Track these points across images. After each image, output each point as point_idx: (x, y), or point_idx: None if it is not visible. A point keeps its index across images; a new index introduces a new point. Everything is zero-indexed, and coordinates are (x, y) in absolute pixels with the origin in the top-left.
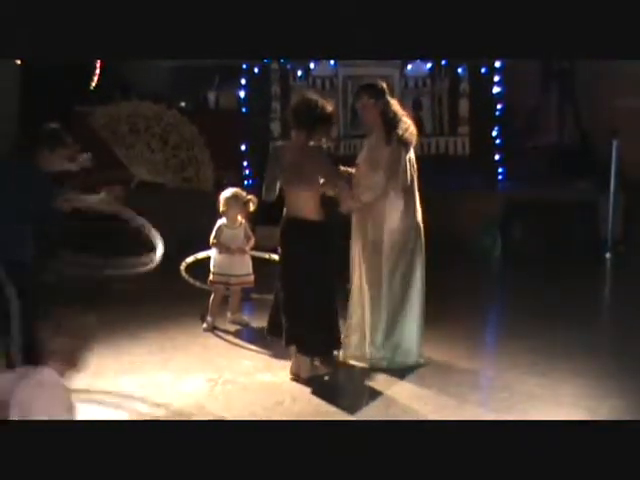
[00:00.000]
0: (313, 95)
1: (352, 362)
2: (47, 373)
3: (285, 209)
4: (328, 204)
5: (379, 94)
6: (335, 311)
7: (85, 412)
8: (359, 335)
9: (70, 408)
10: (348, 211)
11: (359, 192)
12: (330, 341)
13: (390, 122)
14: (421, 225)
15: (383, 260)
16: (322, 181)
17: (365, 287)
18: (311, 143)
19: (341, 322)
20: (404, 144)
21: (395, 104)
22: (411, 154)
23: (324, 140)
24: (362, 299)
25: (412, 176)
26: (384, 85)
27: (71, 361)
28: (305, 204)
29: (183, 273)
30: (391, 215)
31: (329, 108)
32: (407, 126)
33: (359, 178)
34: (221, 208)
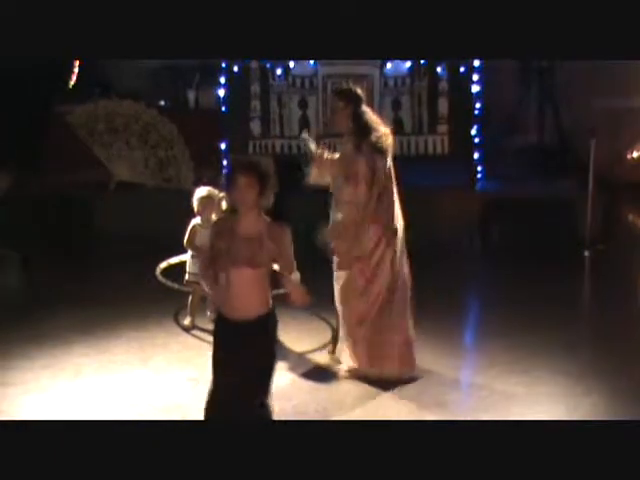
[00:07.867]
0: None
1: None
2: None
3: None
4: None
5: (350, 99)
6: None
7: (67, 412)
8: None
9: None
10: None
11: (339, 208)
12: None
13: (361, 130)
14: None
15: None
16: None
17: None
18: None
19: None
20: (378, 151)
21: (369, 112)
22: (388, 162)
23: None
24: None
25: (386, 185)
26: (358, 91)
27: None
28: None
29: (159, 277)
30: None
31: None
32: (380, 134)
33: (336, 193)
34: (196, 208)
